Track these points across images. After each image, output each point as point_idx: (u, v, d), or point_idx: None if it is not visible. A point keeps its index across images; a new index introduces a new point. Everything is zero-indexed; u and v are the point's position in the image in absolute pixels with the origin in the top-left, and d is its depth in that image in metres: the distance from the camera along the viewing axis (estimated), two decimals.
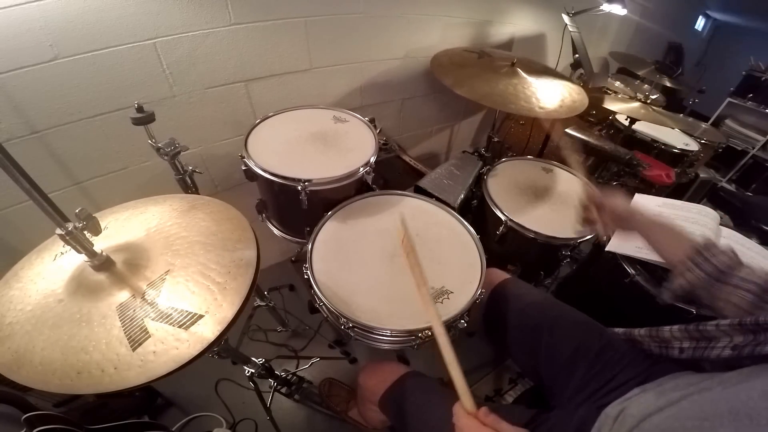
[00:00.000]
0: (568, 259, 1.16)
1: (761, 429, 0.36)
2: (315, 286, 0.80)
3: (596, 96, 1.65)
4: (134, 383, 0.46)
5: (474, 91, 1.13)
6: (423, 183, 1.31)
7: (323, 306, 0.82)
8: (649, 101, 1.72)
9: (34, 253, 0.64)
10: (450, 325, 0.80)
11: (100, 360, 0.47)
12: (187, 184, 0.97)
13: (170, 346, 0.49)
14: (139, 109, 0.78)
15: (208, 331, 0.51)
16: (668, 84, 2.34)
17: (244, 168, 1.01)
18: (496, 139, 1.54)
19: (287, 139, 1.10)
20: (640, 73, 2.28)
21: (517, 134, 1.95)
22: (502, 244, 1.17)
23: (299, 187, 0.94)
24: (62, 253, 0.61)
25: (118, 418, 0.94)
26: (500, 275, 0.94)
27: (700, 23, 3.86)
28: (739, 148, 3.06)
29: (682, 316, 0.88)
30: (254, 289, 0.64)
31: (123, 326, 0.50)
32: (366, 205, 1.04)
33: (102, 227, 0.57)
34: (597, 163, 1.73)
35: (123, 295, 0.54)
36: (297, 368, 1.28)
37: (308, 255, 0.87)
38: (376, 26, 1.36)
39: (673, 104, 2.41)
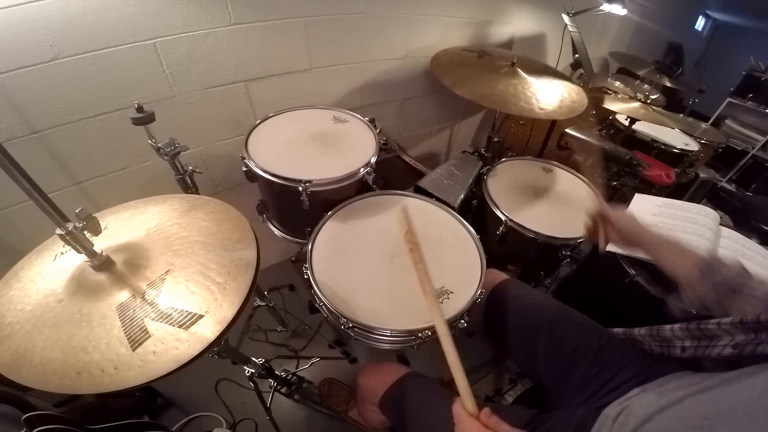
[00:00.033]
0: (568, 259, 1.16)
1: (761, 428, 0.36)
2: (315, 286, 0.80)
3: (596, 96, 1.65)
4: (134, 383, 0.46)
5: (474, 91, 1.13)
6: (423, 183, 1.31)
7: (323, 306, 0.82)
8: (649, 101, 1.71)
9: (34, 253, 0.64)
10: (450, 325, 0.79)
11: (100, 360, 0.47)
12: (187, 184, 0.97)
13: (170, 346, 0.49)
14: (139, 109, 0.78)
15: (208, 331, 0.51)
16: (668, 84, 2.34)
17: (244, 169, 1.01)
18: (496, 139, 1.54)
19: (287, 140, 1.09)
20: (640, 73, 2.28)
21: (517, 134, 1.96)
22: (502, 244, 1.17)
23: (300, 188, 0.94)
24: (62, 253, 0.61)
25: (118, 418, 0.94)
26: (499, 276, 0.94)
27: (700, 23, 3.86)
28: (739, 148, 3.06)
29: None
30: (254, 289, 0.64)
31: (123, 326, 0.50)
32: (366, 206, 1.04)
33: (102, 227, 0.57)
34: (597, 164, 1.73)
35: (123, 295, 0.54)
36: (297, 368, 1.28)
37: (308, 255, 0.87)
38: (376, 26, 1.36)
39: (673, 104, 2.40)
